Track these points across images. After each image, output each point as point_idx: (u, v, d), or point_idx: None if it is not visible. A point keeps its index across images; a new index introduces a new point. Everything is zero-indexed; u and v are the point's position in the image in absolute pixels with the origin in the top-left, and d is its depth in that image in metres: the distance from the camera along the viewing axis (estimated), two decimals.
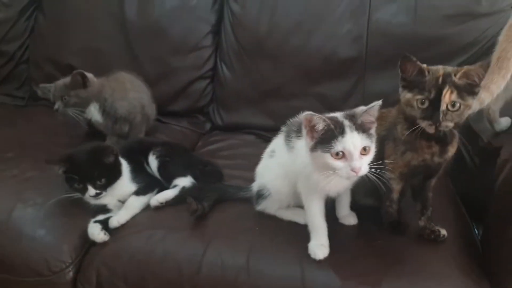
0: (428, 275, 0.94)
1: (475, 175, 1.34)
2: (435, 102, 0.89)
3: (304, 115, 0.87)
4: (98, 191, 1.13)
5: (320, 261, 0.95)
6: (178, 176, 1.22)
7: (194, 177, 1.23)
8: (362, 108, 0.91)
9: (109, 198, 1.17)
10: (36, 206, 1.16)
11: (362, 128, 0.87)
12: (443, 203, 1.18)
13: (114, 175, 1.16)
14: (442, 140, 0.95)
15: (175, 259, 1.01)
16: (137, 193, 1.19)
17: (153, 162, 1.24)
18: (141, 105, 1.53)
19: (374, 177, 0.90)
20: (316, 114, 0.87)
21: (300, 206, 1.03)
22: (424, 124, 0.91)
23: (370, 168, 0.89)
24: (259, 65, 1.64)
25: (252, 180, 1.19)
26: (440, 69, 0.94)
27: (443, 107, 0.89)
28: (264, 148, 1.52)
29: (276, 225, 1.06)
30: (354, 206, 1.10)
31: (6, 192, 1.21)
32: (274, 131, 1.63)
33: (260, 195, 1.08)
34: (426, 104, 0.91)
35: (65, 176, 1.13)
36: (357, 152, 0.86)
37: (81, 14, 1.78)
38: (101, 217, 1.14)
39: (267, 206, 1.09)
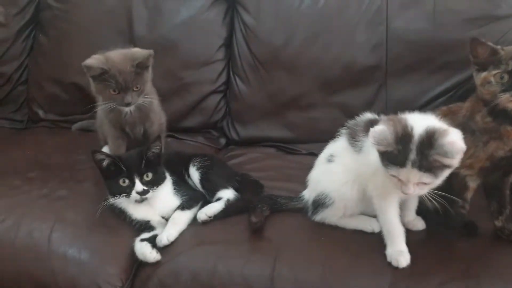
0: None
1: None
2: None
3: (372, 131, 0.82)
4: (145, 188, 1.04)
5: (404, 269, 0.88)
6: (221, 188, 1.16)
7: (234, 189, 1.17)
8: (444, 144, 0.80)
9: (152, 213, 1.09)
10: (76, 225, 1.07)
11: (428, 167, 0.80)
12: None
13: (160, 173, 1.09)
14: None
15: (242, 276, 0.93)
16: (182, 207, 1.11)
17: (194, 173, 1.18)
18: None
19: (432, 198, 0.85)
20: (384, 130, 0.81)
21: (364, 213, 0.97)
22: (505, 98, 0.87)
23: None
24: (275, 76, 1.61)
25: (293, 190, 1.13)
26: None
27: None
28: (290, 159, 1.52)
29: (342, 235, 0.99)
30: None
31: (41, 212, 1.11)
32: (294, 143, 1.63)
33: (318, 204, 1.01)
34: (505, 78, 0.88)
35: (110, 170, 1.04)
36: (411, 183, 0.82)
37: (85, 32, 1.72)
38: (146, 235, 1.05)
39: (327, 215, 1.02)
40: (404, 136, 0.82)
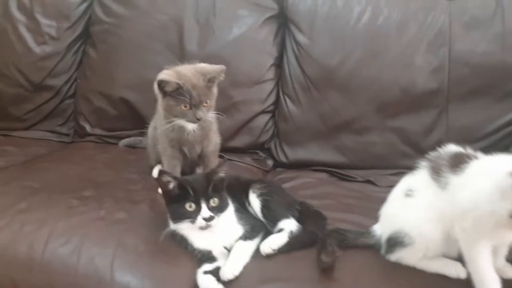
0: None
1: None
2: None
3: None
4: (211, 214, 0.98)
5: None
6: (282, 218, 1.08)
7: (295, 219, 1.09)
8: None
9: (214, 242, 1.03)
10: (137, 252, 1.02)
11: None
12: None
13: (224, 199, 1.03)
14: None
15: None
16: (245, 237, 1.04)
17: (254, 201, 1.10)
18: None
19: None
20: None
21: (446, 255, 0.89)
22: None
23: None
24: (329, 97, 1.55)
25: (356, 223, 1.06)
26: None
27: None
28: (345, 186, 1.43)
29: (422, 279, 0.90)
30: None
31: (101, 236, 1.06)
32: (347, 168, 1.56)
33: (395, 243, 0.93)
34: None
35: (175, 194, 0.99)
36: None
37: (135, 46, 1.71)
38: (208, 266, 0.99)
39: (405, 256, 0.93)
40: None
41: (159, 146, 1.32)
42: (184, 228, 1.01)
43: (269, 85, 1.64)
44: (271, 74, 1.64)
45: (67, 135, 1.83)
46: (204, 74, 1.17)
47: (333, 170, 1.52)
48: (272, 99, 1.65)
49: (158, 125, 1.32)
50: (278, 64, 1.65)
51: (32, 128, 1.84)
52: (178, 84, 1.12)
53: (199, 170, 1.36)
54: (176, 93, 1.14)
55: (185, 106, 1.15)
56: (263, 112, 1.64)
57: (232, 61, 1.60)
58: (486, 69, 1.41)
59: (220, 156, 1.59)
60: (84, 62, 1.81)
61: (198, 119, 1.16)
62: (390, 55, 1.49)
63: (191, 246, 1.02)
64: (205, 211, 0.98)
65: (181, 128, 1.23)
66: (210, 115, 1.21)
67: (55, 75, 1.81)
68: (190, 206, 0.99)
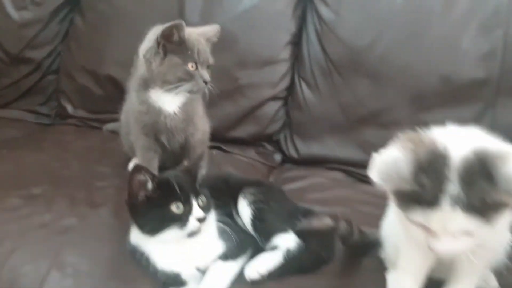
0: None
1: None
2: None
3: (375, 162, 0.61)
4: (204, 214, 0.78)
5: None
6: (278, 232, 0.85)
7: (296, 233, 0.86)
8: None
9: (185, 262, 0.80)
10: (79, 276, 0.79)
11: (480, 208, 0.54)
12: None
13: (209, 198, 0.83)
14: None
15: None
16: (226, 256, 0.81)
17: (244, 209, 0.87)
18: None
19: None
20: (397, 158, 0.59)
21: None
22: None
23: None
24: (353, 84, 1.32)
25: None
26: None
27: None
28: (364, 190, 1.20)
29: None
30: None
31: (35, 250, 0.83)
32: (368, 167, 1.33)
33: None
34: None
35: (156, 196, 0.78)
36: (450, 234, 0.57)
37: (128, 17, 1.48)
38: None
39: None
40: (433, 161, 0.57)
41: (131, 135, 1.10)
42: (146, 244, 0.79)
43: (283, 67, 1.41)
44: (286, 53, 1.41)
45: (48, 116, 1.61)
46: (202, 33, 1.05)
47: (352, 170, 1.29)
48: (285, 83, 1.42)
49: (129, 108, 1.11)
50: (296, 42, 1.41)
51: (9, 106, 1.63)
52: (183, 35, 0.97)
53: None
54: (180, 49, 0.98)
55: (192, 66, 0.99)
56: (274, 98, 1.41)
57: (240, 37, 1.39)
58: None
59: (217, 148, 1.38)
60: (70, 33, 1.59)
61: (206, 83, 1.01)
62: (431, 37, 1.25)
63: (154, 267, 0.80)
64: (197, 210, 0.77)
65: (157, 110, 1.02)
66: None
67: (36, 46, 1.59)
68: (177, 207, 0.77)
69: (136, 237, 0.80)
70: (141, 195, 0.77)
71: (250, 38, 1.39)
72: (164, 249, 0.79)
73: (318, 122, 1.37)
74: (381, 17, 1.29)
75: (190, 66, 0.99)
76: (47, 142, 1.35)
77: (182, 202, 0.77)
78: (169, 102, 1.02)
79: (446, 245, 0.58)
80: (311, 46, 1.38)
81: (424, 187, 0.56)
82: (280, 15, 1.40)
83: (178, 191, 0.77)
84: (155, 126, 1.04)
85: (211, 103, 1.28)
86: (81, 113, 1.54)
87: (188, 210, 0.77)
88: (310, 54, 1.38)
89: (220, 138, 1.37)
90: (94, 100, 1.52)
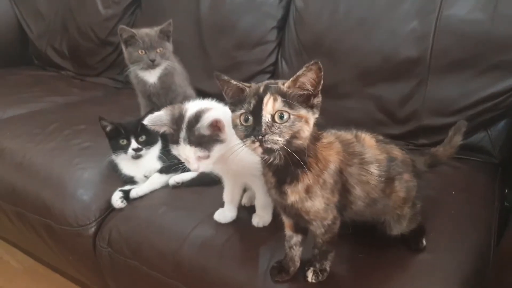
0: None
1: None
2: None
3: (149, 116, 0.94)
4: (139, 146, 1.25)
5: None
6: None
7: None
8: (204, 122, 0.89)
9: (137, 170, 1.30)
10: (84, 170, 1.37)
11: (197, 142, 0.90)
12: None
13: (153, 136, 1.28)
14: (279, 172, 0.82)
15: (168, 233, 1.10)
16: (161, 171, 1.29)
17: None
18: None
19: None
20: (160, 114, 0.94)
21: None
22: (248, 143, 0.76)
23: None
24: None
25: None
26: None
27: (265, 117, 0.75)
28: None
29: None
30: None
31: (65, 156, 1.44)
32: (322, 129, 1.60)
33: None
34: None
35: (112, 133, 1.27)
36: (192, 159, 0.91)
37: (168, 10, 1.98)
38: (126, 187, 1.27)
39: None
40: (178, 117, 0.92)
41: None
42: (118, 158, 1.30)
43: (269, 47, 1.75)
44: (272, 36, 1.74)
45: (121, 82, 2.24)
46: (156, 29, 1.44)
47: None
48: (272, 60, 1.76)
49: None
50: (281, 27, 1.74)
51: (100, 75, 2.31)
52: (132, 32, 1.40)
53: None
54: (132, 41, 1.41)
55: (141, 51, 1.41)
56: (262, 72, 1.77)
57: (237, 24, 1.77)
58: (473, 39, 1.30)
59: None
60: (135, 23, 2.17)
61: (152, 61, 1.41)
62: (377, 21, 1.46)
63: (120, 171, 1.31)
64: (133, 144, 1.26)
65: (142, 81, 1.47)
66: (165, 64, 1.45)
67: (115, 33, 2.17)
68: (122, 141, 1.27)
69: (113, 154, 1.33)
70: (106, 132, 1.28)
71: (245, 24, 1.75)
72: (125, 162, 1.31)
73: None
74: (339, 5, 1.53)
75: (140, 51, 1.41)
76: (110, 100, 1.97)
77: (125, 138, 1.26)
78: (149, 75, 1.48)
79: (195, 166, 0.92)
80: (290, 31, 1.69)
81: (174, 132, 0.92)
82: (269, 5, 1.73)
83: (123, 132, 1.26)
84: (146, 92, 1.51)
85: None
86: None
87: (128, 144, 1.26)
88: (289, 37, 1.69)
89: None
90: None
